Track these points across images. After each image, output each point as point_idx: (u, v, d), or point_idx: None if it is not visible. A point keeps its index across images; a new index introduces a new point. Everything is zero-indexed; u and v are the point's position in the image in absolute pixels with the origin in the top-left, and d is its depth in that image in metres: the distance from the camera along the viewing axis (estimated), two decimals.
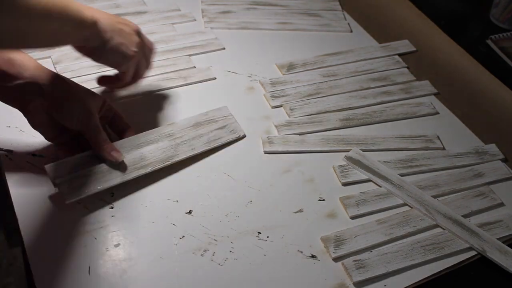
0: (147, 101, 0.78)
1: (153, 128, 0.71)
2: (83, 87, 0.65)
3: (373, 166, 0.70)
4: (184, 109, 0.77)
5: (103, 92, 0.77)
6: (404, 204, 0.66)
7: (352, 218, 0.64)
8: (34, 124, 0.64)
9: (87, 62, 0.82)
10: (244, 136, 0.74)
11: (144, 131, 0.69)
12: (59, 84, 0.62)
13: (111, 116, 0.69)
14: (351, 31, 0.98)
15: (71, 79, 0.79)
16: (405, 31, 0.99)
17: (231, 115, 0.75)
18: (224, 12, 0.99)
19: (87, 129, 0.63)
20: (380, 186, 0.68)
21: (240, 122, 0.75)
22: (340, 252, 0.60)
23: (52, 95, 0.61)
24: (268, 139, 0.73)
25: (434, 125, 0.79)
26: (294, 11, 1.02)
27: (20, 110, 0.63)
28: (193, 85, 0.82)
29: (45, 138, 0.66)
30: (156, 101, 0.78)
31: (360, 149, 0.73)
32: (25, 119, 0.64)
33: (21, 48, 0.61)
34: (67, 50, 0.85)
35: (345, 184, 0.69)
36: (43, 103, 0.61)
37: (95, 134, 0.63)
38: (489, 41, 0.98)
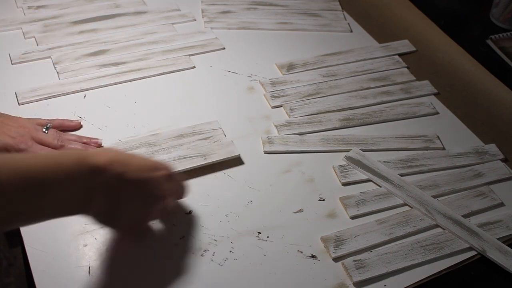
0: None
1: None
2: None
3: (373, 166, 0.70)
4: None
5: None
6: (404, 204, 0.66)
7: (352, 218, 0.64)
8: None
9: (87, 62, 0.83)
10: (230, 146, 0.70)
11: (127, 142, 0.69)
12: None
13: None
14: (351, 31, 0.98)
15: (71, 79, 0.80)
16: (405, 31, 0.99)
17: (220, 128, 0.73)
18: (224, 12, 0.99)
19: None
20: (380, 186, 0.68)
21: (240, 122, 0.76)
22: (340, 252, 0.60)
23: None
24: (268, 139, 0.73)
25: (434, 125, 0.79)
26: (294, 11, 1.02)
27: None
28: (190, 87, 0.82)
29: None
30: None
31: (360, 149, 0.72)
32: None
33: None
34: (67, 50, 0.85)
35: (345, 184, 0.69)
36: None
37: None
38: (489, 41, 0.98)
